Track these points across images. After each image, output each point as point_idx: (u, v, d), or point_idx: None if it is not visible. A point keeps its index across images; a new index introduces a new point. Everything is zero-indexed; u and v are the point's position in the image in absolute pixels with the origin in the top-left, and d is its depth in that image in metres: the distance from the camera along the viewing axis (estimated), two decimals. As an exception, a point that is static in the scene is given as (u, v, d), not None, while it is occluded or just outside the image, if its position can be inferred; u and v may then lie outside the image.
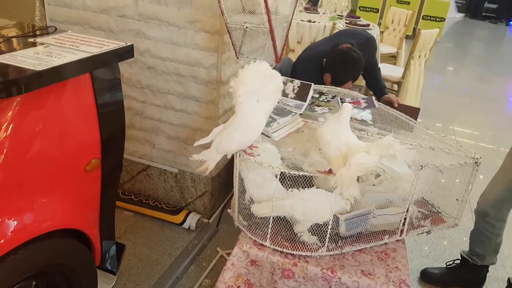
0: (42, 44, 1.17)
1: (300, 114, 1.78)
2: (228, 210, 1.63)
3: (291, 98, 1.93)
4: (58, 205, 1.15)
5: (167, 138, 2.26)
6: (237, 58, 1.64)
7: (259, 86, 1.29)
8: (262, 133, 1.59)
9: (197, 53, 1.99)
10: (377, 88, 2.84)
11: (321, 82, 2.34)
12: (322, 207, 1.35)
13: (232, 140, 1.36)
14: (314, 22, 3.60)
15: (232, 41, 1.59)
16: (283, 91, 1.95)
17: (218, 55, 1.96)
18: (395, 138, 1.30)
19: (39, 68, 0.98)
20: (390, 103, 2.47)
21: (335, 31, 3.43)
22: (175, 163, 2.30)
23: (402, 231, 1.53)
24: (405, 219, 1.53)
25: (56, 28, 1.33)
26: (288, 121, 1.63)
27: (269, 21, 1.41)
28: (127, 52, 1.26)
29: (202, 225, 2.34)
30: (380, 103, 1.94)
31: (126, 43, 1.25)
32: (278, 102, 1.83)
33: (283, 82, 1.99)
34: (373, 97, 1.98)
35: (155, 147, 2.31)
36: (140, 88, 2.19)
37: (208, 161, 1.46)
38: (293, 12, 1.67)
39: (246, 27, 1.46)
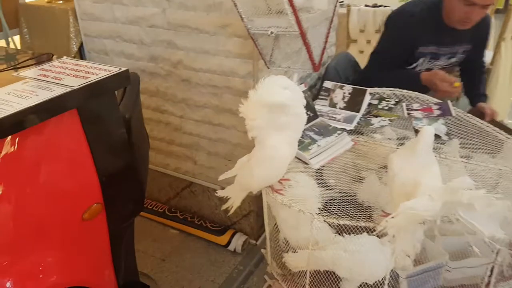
0: (23, 79, 1.02)
1: (350, 130, 1.46)
2: (262, 251, 1.38)
3: (340, 108, 1.60)
4: (52, 263, 0.99)
5: (207, 154, 2.07)
6: (268, 67, 1.37)
7: (267, 121, 1.01)
8: (298, 159, 1.31)
9: (231, 61, 1.75)
10: (475, 93, 2.07)
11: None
12: (374, 262, 1.03)
13: (253, 177, 1.10)
14: (380, 6, 3.15)
15: (258, 50, 1.32)
16: (331, 100, 1.63)
17: (253, 61, 1.69)
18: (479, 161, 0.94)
19: None
20: (480, 115, 1.82)
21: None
22: (217, 180, 2.10)
23: (488, 284, 1.16)
24: (492, 268, 1.15)
25: (52, 55, 1.18)
26: (332, 142, 1.32)
27: (298, 22, 1.11)
28: (121, 79, 1.06)
29: (249, 247, 2.12)
30: (459, 110, 1.53)
31: (120, 69, 1.06)
32: (324, 116, 1.53)
33: (329, 88, 1.68)
34: (449, 102, 1.58)
35: (196, 163, 2.13)
36: (176, 103, 2.02)
37: (232, 198, 1.23)
38: (335, 6, 1.34)
39: (271, 32, 1.18)
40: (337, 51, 2.58)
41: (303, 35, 1.15)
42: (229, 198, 1.23)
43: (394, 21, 2.00)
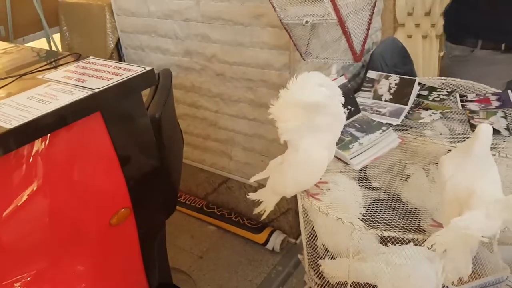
0: (47, 81, 0.99)
1: (397, 125, 1.33)
2: (299, 256, 1.29)
3: (386, 100, 1.47)
4: (81, 271, 0.97)
5: (243, 149, 2.00)
6: (304, 59, 1.27)
7: (300, 123, 0.91)
8: (338, 158, 1.20)
9: (266, 53, 1.66)
10: None
11: None
12: (421, 277, 0.92)
13: (286, 181, 1.02)
14: (430, -14, 2.92)
15: (293, 41, 1.22)
16: (375, 92, 1.50)
17: (289, 53, 1.60)
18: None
19: (12, 124, 0.79)
20: None
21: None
22: (253, 176, 2.03)
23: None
24: None
25: (79, 55, 1.15)
26: (376, 139, 1.21)
27: (336, 9, 1.00)
28: (146, 80, 1.00)
29: (288, 246, 2.04)
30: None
31: (145, 68, 1.00)
32: (367, 110, 1.41)
33: (374, 79, 1.55)
34: (510, 92, 1.40)
35: (232, 159, 2.07)
36: (211, 97, 1.96)
37: (265, 202, 1.15)
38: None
39: (306, 21, 1.07)
40: (383, 37, 2.42)
41: (341, 23, 1.04)
42: (261, 202, 1.16)
43: None
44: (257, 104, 1.80)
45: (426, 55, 2.89)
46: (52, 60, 1.14)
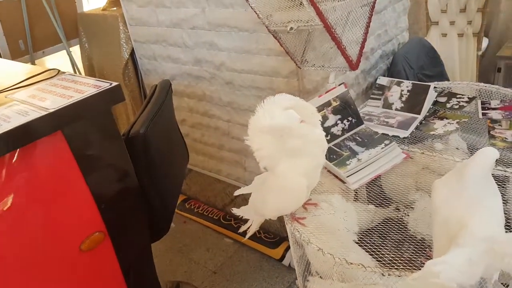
0: (12, 101, 0.97)
1: (405, 138, 1.20)
2: (296, 282, 1.20)
3: (396, 109, 1.35)
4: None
5: (256, 160, 1.92)
6: (299, 68, 1.18)
7: (275, 148, 0.84)
8: (334, 175, 1.11)
9: (272, 60, 1.58)
10: None
11: None
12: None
13: (266, 204, 0.95)
14: (467, -20, 2.70)
15: (284, 48, 1.13)
16: (386, 100, 1.38)
17: (296, 59, 1.51)
18: None
19: None
20: None
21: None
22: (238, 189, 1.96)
23: None
24: None
25: (58, 71, 1.12)
26: (376, 155, 1.09)
27: (319, 14, 0.91)
28: (111, 96, 0.95)
29: (305, 262, 1.94)
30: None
31: (111, 84, 0.95)
32: (373, 120, 1.29)
33: (384, 86, 1.42)
34: (539, 98, 1.23)
35: (246, 169, 2.01)
36: (223, 106, 1.91)
37: (250, 220, 1.09)
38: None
39: (291, 28, 0.99)
40: (418, 36, 2.25)
41: (328, 28, 0.94)
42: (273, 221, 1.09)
43: None
44: (265, 114, 1.73)
45: (463, 54, 2.67)
46: (30, 76, 1.12)
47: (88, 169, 0.95)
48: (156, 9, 1.89)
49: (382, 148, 1.10)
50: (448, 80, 2.18)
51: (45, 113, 0.86)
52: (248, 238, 2.03)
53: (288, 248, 1.94)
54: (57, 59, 3.12)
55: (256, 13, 1.02)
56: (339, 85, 1.19)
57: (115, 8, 2.25)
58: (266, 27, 1.07)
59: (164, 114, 1.34)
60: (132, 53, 2.18)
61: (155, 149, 1.19)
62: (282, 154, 0.85)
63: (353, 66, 1.07)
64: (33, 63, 2.31)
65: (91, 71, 2.43)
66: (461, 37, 2.68)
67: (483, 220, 0.66)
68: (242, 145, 1.94)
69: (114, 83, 0.96)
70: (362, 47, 1.09)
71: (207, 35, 1.76)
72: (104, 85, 0.95)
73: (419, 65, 2.01)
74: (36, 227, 0.92)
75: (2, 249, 0.88)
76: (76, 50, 2.46)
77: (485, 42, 2.73)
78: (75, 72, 2.50)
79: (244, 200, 2.11)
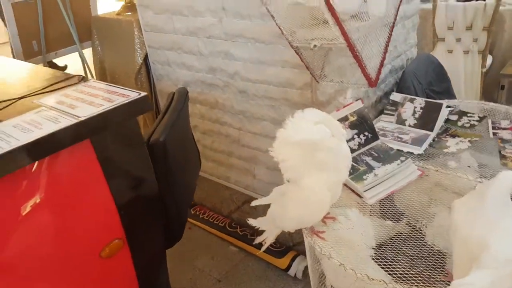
0: (40, 106, 0.99)
1: (419, 154, 1.24)
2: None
3: (410, 126, 1.38)
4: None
5: (266, 168, 1.95)
6: (317, 82, 1.21)
7: (301, 161, 0.86)
8: (350, 189, 1.13)
9: (287, 71, 1.61)
10: None
11: None
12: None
13: (286, 216, 0.97)
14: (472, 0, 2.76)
15: (305, 64, 1.17)
16: (399, 116, 1.42)
17: (311, 72, 1.54)
18: None
19: None
20: None
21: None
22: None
23: None
24: None
25: (83, 77, 1.15)
26: (392, 171, 1.12)
27: (344, 33, 0.94)
28: (139, 106, 0.98)
29: (310, 271, 1.96)
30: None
31: (140, 94, 0.98)
32: (388, 136, 1.33)
33: (397, 102, 1.46)
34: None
35: (255, 177, 2.03)
36: (235, 114, 1.94)
37: (266, 232, 1.11)
38: (398, 8, 1.13)
39: (314, 45, 1.02)
40: (424, 51, 2.30)
41: (351, 47, 0.98)
42: (263, 230, 1.12)
43: None
44: (279, 123, 1.73)
45: (468, 71, 2.72)
46: (54, 82, 1.14)
47: (113, 177, 0.97)
48: (172, 17, 1.92)
49: (398, 164, 1.14)
50: (454, 96, 2.23)
51: (76, 121, 0.88)
52: (254, 246, 2.07)
53: (294, 258, 1.96)
54: (67, 60, 3.14)
55: (280, 29, 1.05)
56: (356, 100, 1.23)
57: (129, 13, 2.28)
58: (289, 43, 1.10)
59: (181, 122, 1.37)
60: (146, 59, 2.20)
61: (172, 156, 1.22)
62: (309, 167, 0.88)
63: (372, 83, 1.10)
64: (45, 65, 2.33)
65: (102, 74, 2.45)
66: (466, 54, 2.73)
67: (503, 242, 0.69)
68: (252, 153, 1.97)
69: (143, 93, 0.98)
70: (381, 65, 1.12)
71: (222, 44, 1.79)
72: (133, 94, 0.98)
73: (427, 80, 2.05)
74: (60, 233, 0.94)
75: (25, 253, 0.90)
76: (87, 53, 2.49)
77: (489, 59, 2.78)
78: (86, 74, 2.52)
79: (251, 207, 2.14)
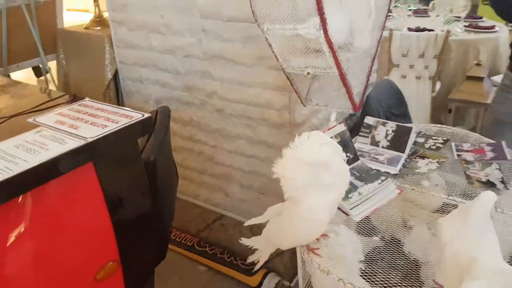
0: (37, 126, 0.96)
1: (395, 174, 1.33)
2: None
3: (383, 147, 1.48)
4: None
5: (240, 186, 1.99)
6: (304, 105, 1.28)
7: (307, 180, 0.91)
8: (338, 208, 1.20)
9: (267, 93, 1.68)
10: None
11: None
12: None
13: (284, 235, 1.01)
14: (424, 29, 3.02)
15: (294, 88, 1.24)
16: (373, 138, 1.52)
17: (289, 94, 1.63)
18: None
19: None
20: None
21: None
22: (249, 214, 2.01)
23: None
24: None
25: (74, 96, 1.13)
26: (375, 190, 1.21)
27: (337, 64, 1.02)
28: (143, 127, 0.99)
29: (282, 289, 2.00)
30: (516, 152, 1.38)
31: (143, 115, 0.99)
32: (365, 156, 1.42)
33: (371, 125, 1.57)
34: (504, 144, 1.43)
35: (228, 195, 2.06)
36: (210, 132, 1.96)
37: (260, 251, 1.14)
38: (378, 42, 1.24)
39: (308, 73, 1.09)
40: (378, 76, 2.47)
41: (342, 77, 1.06)
42: (255, 249, 1.15)
43: None
44: (256, 142, 1.81)
45: (419, 95, 2.95)
46: (46, 100, 1.12)
47: (112, 198, 0.96)
48: (149, 34, 1.93)
49: (379, 183, 1.22)
50: (411, 119, 2.42)
51: (85, 142, 0.86)
52: (224, 265, 2.08)
53: (265, 275, 1.99)
54: (21, 73, 3.00)
55: (276, 57, 1.11)
56: (338, 124, 1.31)
57: (99, 28, 2.25)
58: (283, 69, 1.16)
59: (167, 139, 1.38)
60: (116, 74, 2.18)
61: (161, 175, 1.22)
62: (313, 187, 0.92)
63: (356, 108, 1.19)
64: (6, 76, 2.22)
65: (66, 88, 2.38)
66: (418, 79, 2.97)
67: (489, 255, 0.78)
68: (227, 171, 2.00)
69: (146, 114, 0.99)
70: (364, 92, 1.22)
71: (201, 64, 1.82)
72: (136, 115, 0.98)
73: (388, 104, 2.21)
74: (57, 256, 0.91)
75: (21, 275, 0.87)
76: (51, 66, 2.41)
77: (438, 85, 3.04)
78: (47, 87, 2.43)
79: (221, 225, 2.16)
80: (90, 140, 0.87)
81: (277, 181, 1.95)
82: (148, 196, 1.10)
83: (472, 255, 0.80)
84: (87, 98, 1.11)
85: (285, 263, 1.98)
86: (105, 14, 2.29)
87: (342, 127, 1.31)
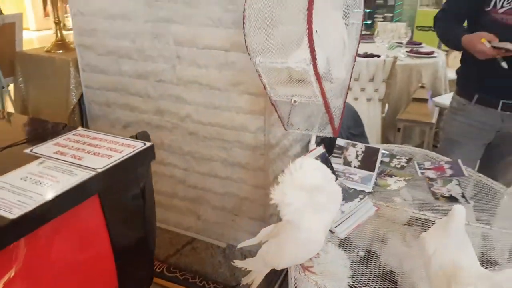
0: (38, 157, 0.94)
1: (369, 192, 1.44)
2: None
3: (355, 167, 1.59)
4: None
5: (212, 208, 2.01)
6: (285, 130, 1.36)
7: (303, 203, 0.98)
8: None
9: (242, 117, 1.74)
10: None
11: None
12: None
13: (282, 255, 1.06)
14: (371, 55, 3.26)
15: (278, 114, 1.31)
16: (345, 158, 1.63)
17: (264, 117, 1.69)
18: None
19: (15, 213, 0.73)
20: None
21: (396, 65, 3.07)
22: (222, 236, 2.04)
23: None
24: None
25: (65, 125, 1.12)
26: (355, 207, 1.30)
27: (323, 94, 1.11)
28: (147, 156, 1.01)
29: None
30: (470, 170, 1.54)
31: (145, 144, 1.01)
32: (340, 176, 1.52)
33: (343, 146, 1.68)
34: (460, 161, 1.60)
35: (200, 218, 2.07)
36: (181, 155, 1.97)
37: (254, 272, 1.18)
38: (351, 73, 1.36)
39: (294, 101, 1.17)
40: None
41: (326, 105, 1.16)
42: (250, 272, 1.19)
43: None
44: (230, 163, 1.85)
45: (371, 116, 3.16)
46: (39, 131, 1.09)
47: (114, 228, 0.97)
48: (119, 60, 1.92)
49: (358, 201, 1.32)
50: (367, 138, 2.59)
51: (95, 173, 0.86)
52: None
53: (238, 295, 2.01)
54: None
55: (264, 86, 1.18)
56: (318, 146, 1.40)
57: (61, 51, 2.20)
58: (269, 97, 1.23)
59: (150, 166, 1.39)
60: (81, 98, 2.13)
61: (149, 201, 1.23)
62: (309, 209, 0.99)
63: (336, 132, 1.29)
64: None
65: (24, 113, 2.28)
66: (369, 101, 3.18)
67: (472, 263, 0.89)
68: (199, 193, 2.01)
69: (148, 143, 1.00)
70: (341, 118, 1.32)
71: (174, 88, 1.85)
72: (138, 144, 0.99)
73: (347, 125, 2.36)
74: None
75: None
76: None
77: (386, 106, 3.28)
78: (4, 111, 2.31)
79: (192, 249, 2.15)
80: (99, 170, 0.87)
81: (250, 202, 2.01)
82: (143, 223, 1.11)
83: (456, 264, 0.90)
84: (80, 128, 1.10)
85: (261, 285, 2.01)
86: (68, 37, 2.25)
87: (321, 150, 1.41)
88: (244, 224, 1.96)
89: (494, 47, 1.65)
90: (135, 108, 2.00)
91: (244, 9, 1.04)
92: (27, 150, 0.96)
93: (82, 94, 2.12)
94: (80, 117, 2.19)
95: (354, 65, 1.40)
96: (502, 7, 1.67)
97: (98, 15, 1.86)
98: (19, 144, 1.01)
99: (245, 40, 1.07)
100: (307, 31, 0.97)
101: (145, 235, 1.14)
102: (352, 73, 1.37)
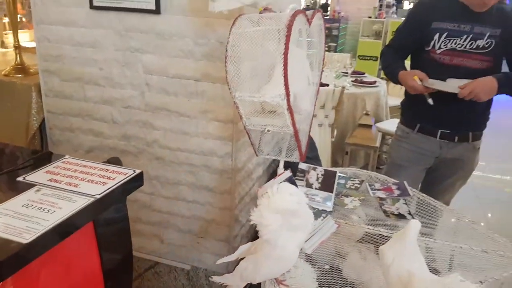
0: (33, 185, 0.98)
1: (330, 211, 1.59)
2: None
3: (316, 188, 1.74)
4: None
5: (177, 231, 2.06)
6: (256, 155, 1.48)
7: (280, 224, 1.10)
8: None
9: (210, 142, 1.83)
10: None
11: None
12: None
13: (259, 271, 1.16)
14: (320, 84, 3.50)
15: (250, 141, 1.43)
16: (307, 181, 1.77)
17: (232, 143, 1.80)
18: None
19: (27, 238, 0.77)
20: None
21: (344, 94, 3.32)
22: (187, 258, 2.09)
23: None
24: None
25: (51, 153, 1.15)
26: (320, 225, 1.44)
27: (293, 124, 1.25)
28: (137, 182, 1.08)
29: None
30: (414, 190, 1.75)
31: (134, 171, 1.08)
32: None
33: (304, 170, 1.83)
34: (405, 182, 1.81)
35: (164, 242, 2.10)
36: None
37: (231, 286, 1.27)
38: (314, 104, 1.52)
39: (268, 130, 1.30)
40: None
41: (296, 134, 1.29)
42: (226, 286, 1.27)
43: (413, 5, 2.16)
44: (198, 187, 1.92)
45: (322, 140, 3.38)
46: (28, 159, 1.12)
47: (105, 252, 1.01)
48: (84, 85, 1.95)
49: (322, 220, 1.46)
50: (320, 161, 2.78)
51: (94, 199, 0.91)
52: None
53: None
54: None
55: (240, 116, 1.30)
56: (285, 171, 1.53)
57: (21, 76, 2.17)
58: (244, 126, 1.35)
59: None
60: (42, 124, 2.11)
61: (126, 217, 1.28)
62: (285, 229, 1.11)
63: (302, 158, 1.43)
64: None
65: (-24, 137, 2.20)
66: (320, 127, 3.41)
67: (423, 270, 1.05)
68: (164, 217, 2.06)
69: (137, 170, 1.07)
70: (307, 146, 1.47)
71: (142, 114, 1.90)
72: (128, 171, 1.05)
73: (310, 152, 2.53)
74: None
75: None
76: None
77: (335, 131, 3.53)
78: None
79: (154, 273, 2.17)
80: (98, 197, 0.92)
81: (217, 224, 2.09)
82: (128, 245, 1.16)
83: (411, 272, 1.06)
84: (67, 155, 1.13)
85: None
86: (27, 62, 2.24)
87: (288, 173, 1.54)
88: (209, 245, 2.03)
89: (424, 86, 1.91)
90: (99, 134, 2.02)
91: (226, 50, 1.16)
92: (20, 178, 0.99)
93: (43, 119, 2.10)
94: (40, 142, 2.16)
95: (317, 98, 1.56)
96: (439, 48, 1.94)
97: (66, 42, 1.89)
98: (10, 172, 1.03)
99: (226, 77, 1.19)
100: (283, 71, 1.11)
101: (128, 257, 1.19)
102: (315, 104, 1.53)
